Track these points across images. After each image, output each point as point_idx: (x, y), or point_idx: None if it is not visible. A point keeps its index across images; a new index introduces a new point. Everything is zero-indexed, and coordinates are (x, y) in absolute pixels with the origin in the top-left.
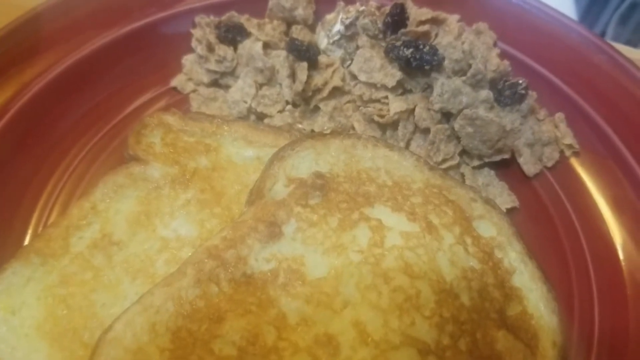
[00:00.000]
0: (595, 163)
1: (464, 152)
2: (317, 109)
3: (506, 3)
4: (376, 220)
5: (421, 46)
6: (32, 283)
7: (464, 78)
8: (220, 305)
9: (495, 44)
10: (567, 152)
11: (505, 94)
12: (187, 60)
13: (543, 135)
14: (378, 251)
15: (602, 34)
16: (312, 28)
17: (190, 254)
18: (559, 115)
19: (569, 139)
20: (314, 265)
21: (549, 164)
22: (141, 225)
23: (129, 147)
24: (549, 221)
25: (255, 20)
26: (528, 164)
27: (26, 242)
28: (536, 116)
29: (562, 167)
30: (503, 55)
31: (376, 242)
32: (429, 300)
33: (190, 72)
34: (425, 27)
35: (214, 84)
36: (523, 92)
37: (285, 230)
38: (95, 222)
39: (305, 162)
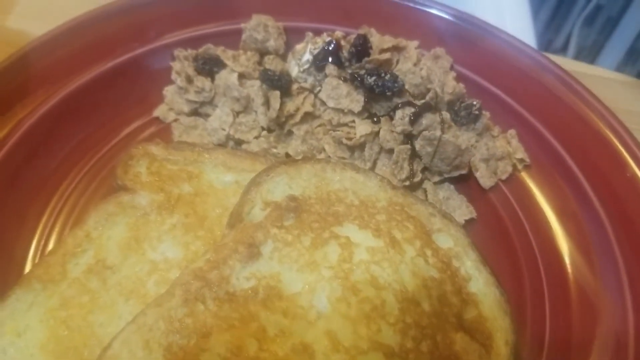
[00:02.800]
0: (544, 175)
1: (425, 169)
2: (290, 133)
3: (461, 28)
4: (345, 238)
5: (383, 74)
6: (34, 307)
7: (422, 102)
8: (207, 322)
9: (451, 67)
10: (519, 166)
11: (461, 114)
12: (168, 91)
13: (497, 150)
14: (347, 266)
15: (568, 36)
16: (283, 57)
17: (177, 275)
18: (511, 132)
19: (520, 153)
20: (289, 282)
21: (503, 177)
22: (132, 250)
23: (118, 177)
24: (504, 230)
25: (230, 52)
26: (484, 178)
27: (26, 270)
28: (490, 133)
29: (515, 180)
30: (459, 77)
31: (345, 258)
32: (393, 308)
33: (171, 103)
34: (387, 55)
35: (194, 113)
36: (477, 112)
37: (263, 251)
38: (89, 248)
39: (279, 187)
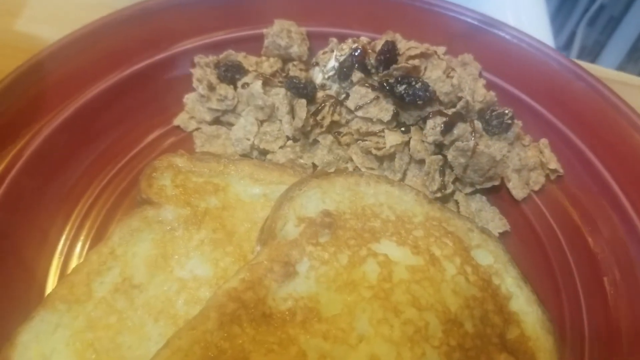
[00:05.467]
0: (578, 186)
1: (456, 180)
2: (316, 142)
3: (488, 33)
4: (383, 256)
5: (413, 82)
6: (60, 329)
7: (453, 110)
8: (244, 346)
9: (480, 75)
10: (552, 176)
11: (492, 123)
12: (189, 99)
13: (529, 161)
14: (387, 286)
15: (572, 35)
16: (306, 64)
17: (207, 293)
18: (543, 141)
19: (553, 163)
20: (328, 303)
21: (536, 188)
22: (159, 268)
23: (142, 191)
24: (539, 243)
25: (253, 58)
26: (517, 189)
27: (48, 288)
28: (521, 142)
29: (547, 191)
30: (488, 85)
31: (385, 277)
32: (436, 330)
33: (192, 111)
34: (415, 62)
35: (216, 121)
36: (509, 121)
37: (299, 269)
38: (114, 266)
39: (312, 201)
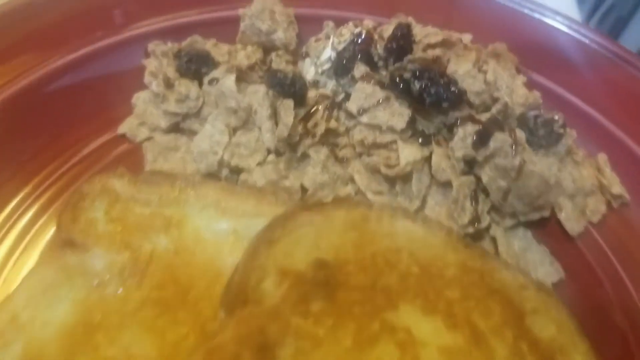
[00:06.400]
0: None
1: (493, 209)
2: (306, 157)
3: (525, 17)
4: (404, 331)
5: (436, 78)
6: None
7: (488, 115)
8: None
9: (517, 70)
10: (615, 203)
11: (538, 133)
12: (139, 99)
13: (585, 183)
14: None
15: None
16: (294, 54)
17: None
18: (602, 157)
19: (616, 187)
20: None
21: (595, 219)
22: (79, 343)
23: (62, 228)
24: (600, 293)
25: (224, 47)
26: (571, 221)
27: None
28: (573, 158)
29: (610, 223)
30: (528, 83)
31: None
32: None
33: (143, 115)
34: (436, 52)
35: (174, 129)
36: (560, 130)
37: (280, 356)
38: (15, 340)
39: (301, 246)
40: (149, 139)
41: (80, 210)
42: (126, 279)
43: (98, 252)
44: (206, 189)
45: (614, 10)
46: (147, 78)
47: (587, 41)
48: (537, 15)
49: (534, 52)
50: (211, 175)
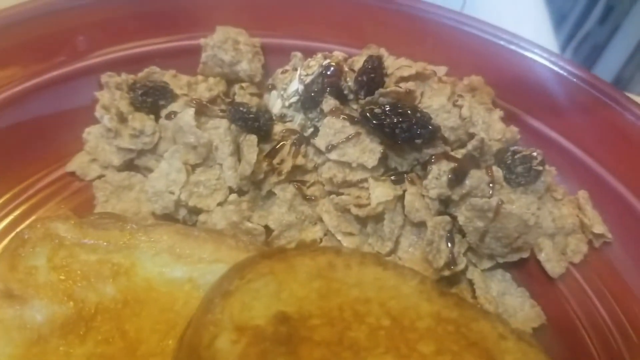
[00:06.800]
0: (632, 256)
1: (469, 250)
2: (272, 195)
3: (502, 49)
4: None
5: (408, 113)
6: None
7: (463, 152)
8: None
9: (494, 103)
10: (597, 243)
11: (516, 171)
12: (90, 134)
13: (565, 222)
14: None
15: None
16: (259, 86)
17: None
18: (582, 194)
19: (598, 226)
20: None
21: (576, 260)
22: None
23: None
24: (581, 340)
25: (184, 78)
26: (551, 262)
27: None
28: (553, 196)
29: (592, 263)
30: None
31: None
32: None
33: (95, 151)
34: (409, 85)
35: (128, 166)
36: (539, 167)
37: None
38: None
39: (261, 298)
40: (100, 177)
41: (20, 257)
42: (69, 333)
43: (38, 304)
44: (159, 232)
45: (589, 38)
46: (98, 111)
47: (565, 74)
48: (513, 47)
49: (511, 85)
50: (167, 217)
